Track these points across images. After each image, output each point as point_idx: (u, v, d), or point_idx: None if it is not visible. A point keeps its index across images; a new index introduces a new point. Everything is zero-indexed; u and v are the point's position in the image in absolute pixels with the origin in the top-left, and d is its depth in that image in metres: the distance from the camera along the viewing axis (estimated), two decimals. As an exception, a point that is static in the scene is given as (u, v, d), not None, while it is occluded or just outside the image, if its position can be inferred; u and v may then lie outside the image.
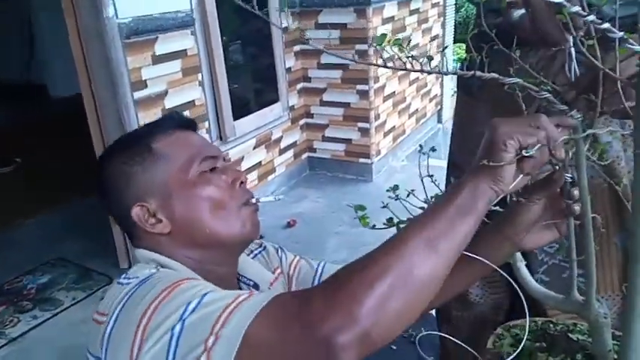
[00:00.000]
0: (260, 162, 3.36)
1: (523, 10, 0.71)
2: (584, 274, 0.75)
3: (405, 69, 0.64)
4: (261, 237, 3.19)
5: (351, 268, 0.59)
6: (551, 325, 0.90)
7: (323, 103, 3.68)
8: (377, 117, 3.66)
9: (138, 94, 2.40)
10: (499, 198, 0.63)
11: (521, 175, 0.63)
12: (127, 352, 0.61)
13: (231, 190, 0.79)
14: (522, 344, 0.77)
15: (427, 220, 0.60)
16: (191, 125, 0.85)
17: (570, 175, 0.72)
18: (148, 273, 0.70)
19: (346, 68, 3.49)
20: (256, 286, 0.88)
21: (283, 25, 3.38)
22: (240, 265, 0.88)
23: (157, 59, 2.48)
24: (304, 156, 3.85)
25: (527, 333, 0.79)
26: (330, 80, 3.59)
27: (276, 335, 0.56)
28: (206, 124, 2.84)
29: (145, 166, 0.78)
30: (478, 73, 0.71)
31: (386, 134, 3.86)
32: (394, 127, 3.98)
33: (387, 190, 0.84)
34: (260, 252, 0.97)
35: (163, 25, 2.46)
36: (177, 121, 0.83)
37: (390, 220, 0.79)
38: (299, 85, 3.63)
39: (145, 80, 2.43)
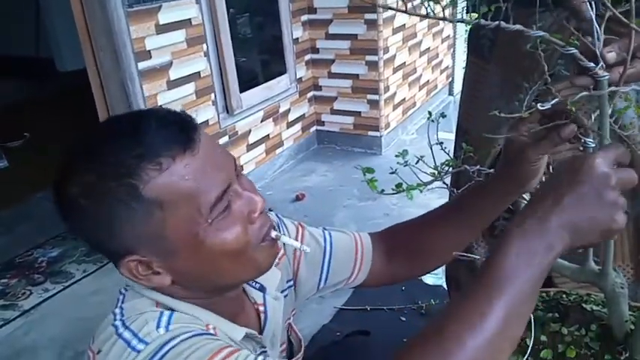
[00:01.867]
0: (268, 135, 3.32)
1: None
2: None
3: (419, 14, 0.61)
4: (270, 210, 3.16)
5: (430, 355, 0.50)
6: (564, 296, 0.87)
7: (331, 75, 3.61)
8: (386, 89, 3.59)
9: (142, 65, 2.36)
10: None
11: None
12: None
13: (248, 228, 0.65)
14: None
15: (501, 299, 0.51)
16: (190, 138, 0.60)
17: (592, 141, 0.68)
18: (158, 340, 0.58)
19: (355, 38, 3.41)
20: (262, 289, 0.81)
21: (290, -5, 3.30)
22: None
23: (161, 29, 2.42)
24: (312, 129, 3.80)
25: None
26: (338, 51, 3.51)
27: None
28: (212, 96, 2.80)
29: (134, 222, 0.59)
30: (503, 24, 0.67)
31: (396, 107, 3.79)
32: (404, 99, 3.90)
33: (396, 156, 0.80)
34: None
35: (167, -7, 2.41)
36: (169, 140, 0.59)
37: (398, 185, 0.76)
38: (307, 57, 3.56)
39: (149, 50, 2.39)
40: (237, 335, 0.68)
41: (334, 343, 1.23)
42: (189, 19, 2.58)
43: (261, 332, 0.78)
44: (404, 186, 0.76)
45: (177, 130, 0.60)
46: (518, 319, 0.51)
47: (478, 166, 0.84)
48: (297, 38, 3.43)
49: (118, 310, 0.63)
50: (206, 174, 0.60)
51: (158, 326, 0.59)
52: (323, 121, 3.81)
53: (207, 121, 2.80)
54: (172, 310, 0.64)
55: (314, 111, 3.77)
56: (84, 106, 2.93)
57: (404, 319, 1.86)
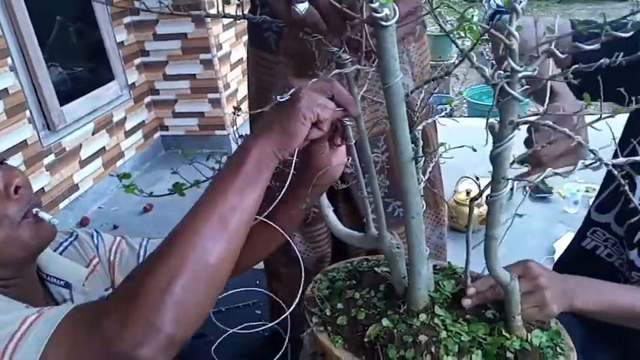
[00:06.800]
0: (104, 148, 3.10)
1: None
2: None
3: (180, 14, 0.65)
4: (116, 227, 2.93)
5: (145, 269, 0.54)
6: (365, 263, 0.93)
7: (167, 77, 3.49)
8: (226, 86, 3.56)
9: None
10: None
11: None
12: None
13: (6, 202, 0.68)
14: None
15: (216, 197, 0.57)
16: None
17: (349, 121, 0.74)
18: None
19: (185, 37, 3.32)
20: (68, 286, 0.80)
21: (107, -4, 3.09)
22: (46, 263, 0.80)
23: (-54, 44, 2.12)
24: (156, 135, 3.64)
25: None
26: (170, 52, 3.39)
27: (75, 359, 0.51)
28: (27, 113, 2.53)
29: None
30: (268, 18, 0.69)
31: (239, 103, 3.78)
32: (247, 95, 3.90)
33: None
34: (71, 242, 0.88)
35: (-53, 3, 2.11)
36: None
37: (175, 184, 0.75)
38: (137, 60, 3.39)
39: None
40: None
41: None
42: (-17, 30, 2.29)
43: None
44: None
45: None
46: (225, 225, 0.57)
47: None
48: (122, 42, 3.24)
49: None
50: None
51: None
52: (166, 126, 3.67)
53: (26, 141, 2.53)
54: None
55: (155, 116, 3.61)
56: None
57: (259, 312, 1.87)
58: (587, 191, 2.52)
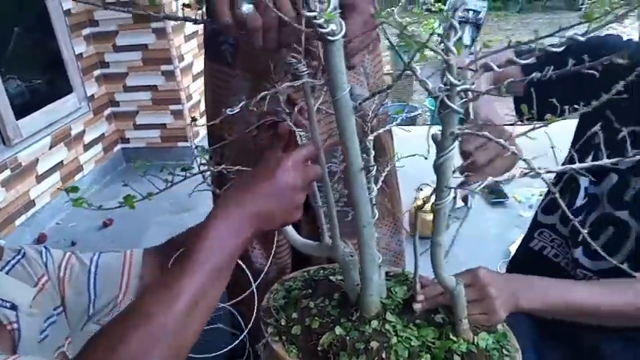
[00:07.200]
0: (61, 162, 3.02)
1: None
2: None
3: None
4: (74, 243, 2.86)
5: (110, 347, 0.50)
6: (321, 272, 0.94)
7: (127, 89, 3.43)
8: (189, 97, 3.53)
9: None
10: None
11: None
12: None
13: None
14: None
15: (194, 281, 0.55)
16: None
17: (302, 131, 0.75)
18: None
19: (145, 48, 3.28)
20: (14, 307, 0.77)
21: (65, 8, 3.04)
22: None
23: None
24: (116, 148, 3.57)
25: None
26: (130, 63, 3.34)
27: None
28: (-20, 127, 2.45)
29: None
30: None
31: (202, 114, 3.75)
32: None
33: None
34: (18, 260, 0.85)
35: None
36: None
37: (126, 197, 0.75)
38: (96, 72, 3.32)
39: None
40: None
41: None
42: None
43: (15, 351, 0.75)
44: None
45: None
46: (205, 298, 0.56)
47: (238, 167, 0.88)
48: (81, 53, 3.18)
49: None
50: None
51: None
52: (127, 138, 3.61)
53: (-21, 156, 2.45)
54: None
55: (115, 129, 3.55)
56: None
57: (220, 325, 1.86)
58: (542, 195, 2.61)
